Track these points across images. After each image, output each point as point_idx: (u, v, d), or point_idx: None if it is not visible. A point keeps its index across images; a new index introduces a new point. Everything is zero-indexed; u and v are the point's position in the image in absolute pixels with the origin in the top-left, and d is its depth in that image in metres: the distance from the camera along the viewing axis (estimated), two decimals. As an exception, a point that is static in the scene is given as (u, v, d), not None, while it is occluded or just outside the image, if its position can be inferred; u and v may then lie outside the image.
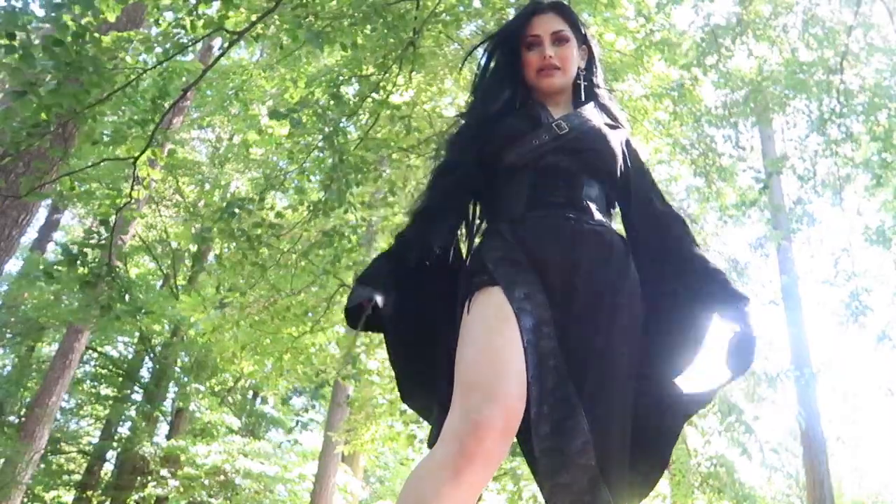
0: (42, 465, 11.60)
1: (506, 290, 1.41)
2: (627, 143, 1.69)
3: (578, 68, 1.72)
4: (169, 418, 12.93)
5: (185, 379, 12.54)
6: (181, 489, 11.06)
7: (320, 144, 4.81)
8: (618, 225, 1.66)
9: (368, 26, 4.42)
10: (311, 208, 4.91)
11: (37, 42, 3.18)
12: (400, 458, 14.47)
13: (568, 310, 1.43)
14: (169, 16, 4.38)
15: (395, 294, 1.46)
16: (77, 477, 13.21)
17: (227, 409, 13.11)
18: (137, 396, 13.64)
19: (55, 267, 4.18)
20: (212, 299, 7.58)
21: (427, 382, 1.54)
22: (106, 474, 13.34)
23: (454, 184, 1.61)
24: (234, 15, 4.05)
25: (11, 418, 12.51)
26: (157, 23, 4.62)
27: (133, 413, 12.63)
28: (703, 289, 1.51)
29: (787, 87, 6.82)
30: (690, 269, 1.54)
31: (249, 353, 7.72)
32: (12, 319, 12.58)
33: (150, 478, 11.21)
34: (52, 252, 12.61)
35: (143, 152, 4.07)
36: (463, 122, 1.73)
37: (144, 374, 14.12)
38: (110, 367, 14.06)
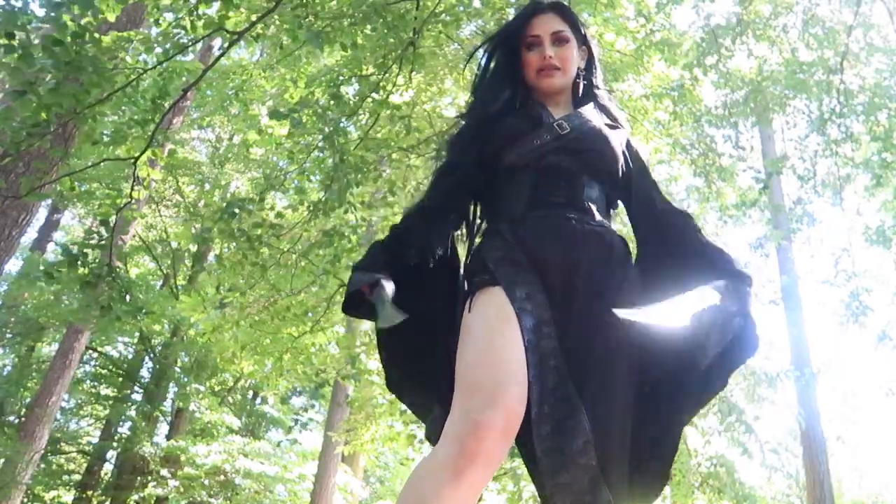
0: (42, 465, 11.60)
1: (507, 290, 1.41)
2: (628, 143, 1.69)
3: (578, 68, 1.72)
4: (169, 418, 12.93)
5: (185, 379, 12.54)
6: (181, 489, 11.06)
7: (320, 144, 4.81)
8: (617, 225, 1.66)
9: (368, 26, 4.42)
10: (311, 208, 4.91)
11: (36, 42, 3.18)
12: (400, 458, 14.47)
13: (568, 310, 1.43)
14: (169, 16, 4.38)
15: (393, 290, 1.46)
16: (77, 477, 13.21)
17: (227, 409, 13.10)
18: (137, 396, 13.64)
19: (55, 267, 4.18)
20: (212, 299, 7.58)
21: (426, 381, 1.54)
22: (106, 474, 13.34)
23: (455, 184, 1.61)
24: (234, 15, 4.04)
25: (11, 418, 12.52)
26: (156, 23, 4.62)
27: (133, 413, 12.63)
28: (708, 272, 1.48)
29: (787, 87, 6.82)
30: (695, 256, 1.52)
31: (249, 353, 7.72)
32: (12, 319, 12.58)
33: (150, 478, 11.21)
34: (52, 252, 12.61)
35: (143, 152, 4.06)
36: (463, 122, 1.73)
37: (144, 374, 14.13)
38: (110, 367, 14.06)
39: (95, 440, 13.64)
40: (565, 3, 1.78)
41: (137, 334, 13.01)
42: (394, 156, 5.63)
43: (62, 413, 13.49)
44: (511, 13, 4.98)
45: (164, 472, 11.00)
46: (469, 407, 1.26)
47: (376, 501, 15.64)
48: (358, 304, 1.46)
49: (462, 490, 1.20)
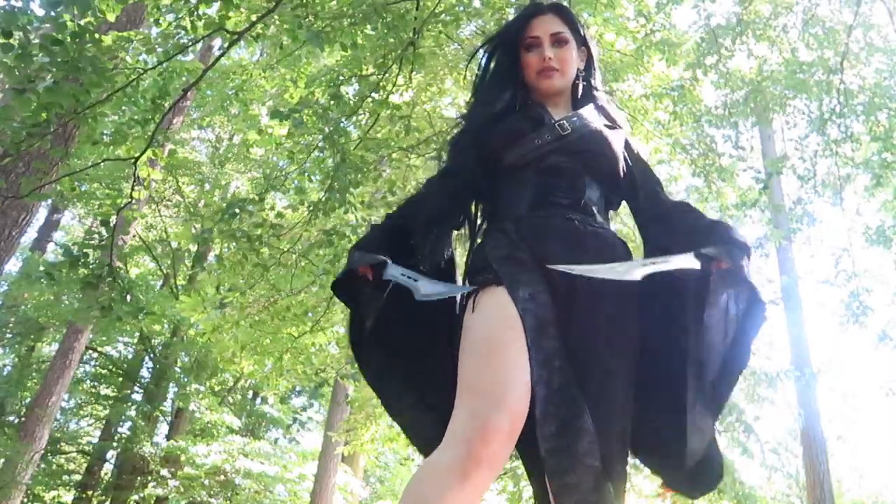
0: (42, 465, 11.61)
1: (510, 290, 1.41)
2: (627, 143, 1.69)
3: (578, 70, 1.72)
4: (169, 418, 12.93)
5: (185, 379, 12.54)
6: (181, 489, 11.06)
7: (321, 144, 4.81)
8: (617, 226, 1.67)
9: (368, 26, 4.42)
10: (312, 208, 4.91)
11: (36, 42, 3.18)
12: (400, 458, 14.46)
13: (570, 310, 1.43)
14: (169, 16, 4.37)
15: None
16: (77, 477, 13.22)
17: (227, 409, 13.10)
18: (137, 396, 13.64)
19: (56, 267, 4.18)
20: (212, 299, 7.58)
21: (415, 379, 1.55)
22: (106, 474, 13.34)
23: (457, 185, 1.62)
24: (234, 15, 4.04)
25: (11, 418, 12.52)
26: (157, 23, 4.62)
27: (133, 413, 12.63)
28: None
29: (787, 87, 6.82)
30: (701, 238, 1.49)
31: (249, 353, 7.72)
32: (12, 319, 12.59)
33: (150, 478, 11.21)
34: (51, 252, 12.62)
35: (143, 152, 4.06)
36: (464, 123, 1.74)
37: (144, 374, 14.12)
38: (110, 367, 14.06)
39: (95, 440, 13.64)
40: (565, 3, 1.78)
41: (137, 334, 13.02)
42: (394, 156, 5.63)
43: (62, 413, 13.50)
44: (511, 13, 4.98)
45: (164, 472, 11.01)
46: (475, 411, 1.26)
47: (376, 501, 15.65)
48: (349, 284, 1.47)
49: (467, 492, 1.20)
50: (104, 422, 13.51)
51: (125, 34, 4.19)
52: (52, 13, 3.13)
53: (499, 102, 1.67)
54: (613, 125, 1.69)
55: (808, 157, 6.28)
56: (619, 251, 1.55)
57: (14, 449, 8.86)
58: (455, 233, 1.68)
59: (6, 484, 8.32)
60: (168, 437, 12.13)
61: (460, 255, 1.75)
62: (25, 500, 10.86)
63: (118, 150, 4.27)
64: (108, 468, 13.50)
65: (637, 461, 1.57)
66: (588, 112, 1.66)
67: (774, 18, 6.81)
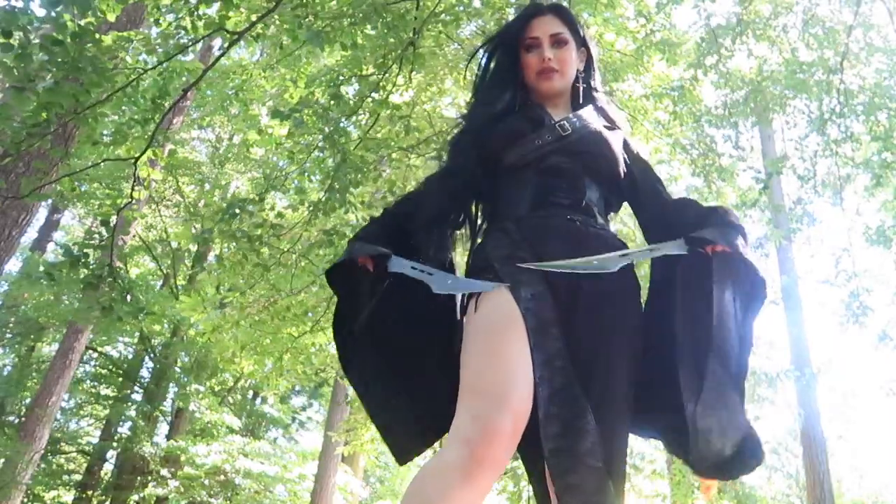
0: (42, 465, 11.61)
1: (512, 290, 1.41)
2: (626, 143, 1.69)
3: (577, 70, 1.72)
4: (169, 418, 12.93)
5: (185, 379, 12.54)
6: (181, 489, 11.06)
7: (321, 144, 4.81)
8: (618, 226, 1.67)
9: (368, 26, 4.42)
10: (312, 208, 4.91)
11: (36, 42, 3.18)
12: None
13: (572, 311, 1.43)
14: (169, 16, 4.37)
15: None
16: (77, 477, 13.22)
17: (227, 409, 13.10)
18: (137, 396, 13.64)
19: (56, 268, 4.18)
20: (212, 299, 7.58)
21: (404, 381, 1.53)
22: (106, 474, 13.34)
23: (458, 186, 1.62)
24: (234, 15, 4.04)
25: (11, 418, 12.52)
26: (157, 23, 4.61)
27: (133, 413, 12.63)
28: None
29: (787, 87, 6.82)
30: (696, 222, 1.50)
31: (249, 353, 7.72)
32: (12, 319, 12.59)
33: (150, 478, 11.21)
34: (51, 252, 12.62)
35: (143, 152, 4.06)
36: (464, 123, 1.74)
37: (144, 374, 14.13)
38: (110, 367, 14.06)
39: (95, 440, 13.64)
40: (565, 4, 1.78)
41: (137, 334, 13.02)
42: (394, 156, 5.63)
43: (62, 413, 13.49)
44: (511, 13, 4.98)
45: (164, 472, 11.00)
46: (477, 410, 1.26)
47: (376, 501, 15.65)
48: (345, 274, 1.47)
49: (470, 493, 1.20)
50: (104, 422, 13.51)
51: (125, 34, 4.19)
52: (53, 13, 3.13)
53: (499, 103, 1.67)
54: (612, 126, 1.69)
55: (808, 157, 6.28)
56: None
57: (14, 449, 8.86)
58: (455, 233, 1.68)
59: (6, 484, 8.32)
60: (168, 437, 12.13)
61: (460, 255, 1.75)
62: (25, 500, 10.86)
63: (118, 150, 4.27)
64: (108, 468, 13.50)
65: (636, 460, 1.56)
66: (587, 113, 1.66)
67: (774, 18, 6.81)
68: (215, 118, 12.26)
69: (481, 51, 1.79)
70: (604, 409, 1.34)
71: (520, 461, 1.51)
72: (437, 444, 1.61)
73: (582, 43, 1.74)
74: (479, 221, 1.70)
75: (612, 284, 1.47)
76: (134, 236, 11.58)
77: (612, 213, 1.69)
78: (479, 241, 1.64)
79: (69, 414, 14.35)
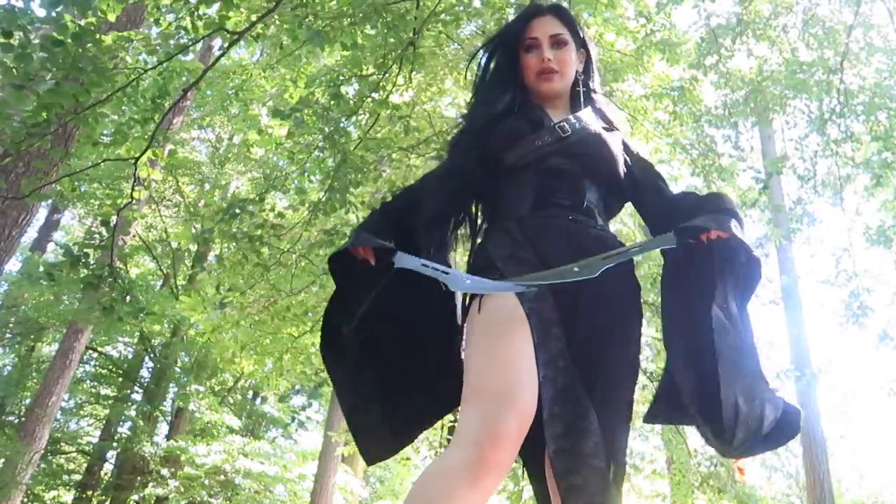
0: (42, 465, 11.60)
1: (515, 290, 1.40)
2: (626, 144, 1.69)
3: (577, 72, 1.72)
4: (169, 418, 12.93)
5: (185, 379, 12.54)
6: (181, 489, 11.06)
7: (321, 144, 4.81)
8: (618, 225, 1.67)
9: (368, 26, 4.41)
10: (312, 208, 4.91)
11: (36, 42, 3.18)
12: (400, 457, 14.47)
13: (573, 312, 1.44)
14: (169, 16, 4.37)
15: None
16: (77, 477, 13.21)
17: (227, 409, 13.10)
18: (137, 396, 13.64)
19: (57, 268, 4.18)
20: (212, 299, 7.58)
21: (389, 383, 1.52)
22: (106, 474, 13.33)
23: (458, 186, 1.62)
24: (234, 15, 4.04)
25: (11, 418, 12.52)
26: (157, 23, 4.61)
27: (133, 413, 12.63)
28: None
29: (787, 87, 6.82)
30: (691, 211, 1.49)
31: (249, 353, 7.72)
32: (12, 319, 12.58)
33: (150, 478, 11.20)
34: (51, 252, 12.62)
35: (143, 152, 4.06)
36: (464, 123, 1.74)
37: (144, 374, 14.12)
38: (110, 367, 14.06)
39: (95, 440, 13.64)
40: (564, 5, 1.78)
41: (137, 334, 13.01)
42: (394, 156, 5.63)
43: (62, 413, 13.49)
44: (511, 13, 4.98)
45: (164, 472, 11.00)
46: (485, 412, 1.26)
47: (376, 501, 15.64)
48: (346, 264, 1.46)
49: (476, 495, 1.20)
50: (104, 422, 13.51)
51: (125, 34, 4.19)
52: (53, 13, 3.13)
53: (499, 103, 1.67)
54: (611, 127, 1.69)
55: (808, 157, 6.28)
56: None
57: (14, 449, 8.86)
58: (455, 232, 1.68)
59: (6, 484, 8.32)
60: (168, 437, 12.13)
61: (460, 256, 1.75)
62: (25, 500, 10.86)
63: (118, 150, 4.26)
64: (108, 468, 13.49)
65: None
66: (587, 115, 1.67)
67: (774, 18, 6.82)
68: (215, 118, 12.26)
69: (481, 51, 1.79)
70: (604, 410, 1.35)
71: (520, 461, 1.51)
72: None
73: (581, 44, 1.74)
74: (479, 221, 1.69)
75: (611, 286, 1.47)
76: (134, 236, 11.58)
77: (614, 214, 1.70)
78: (479, 240, 1.64)
79: (69, 414, 14.34)
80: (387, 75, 4.62)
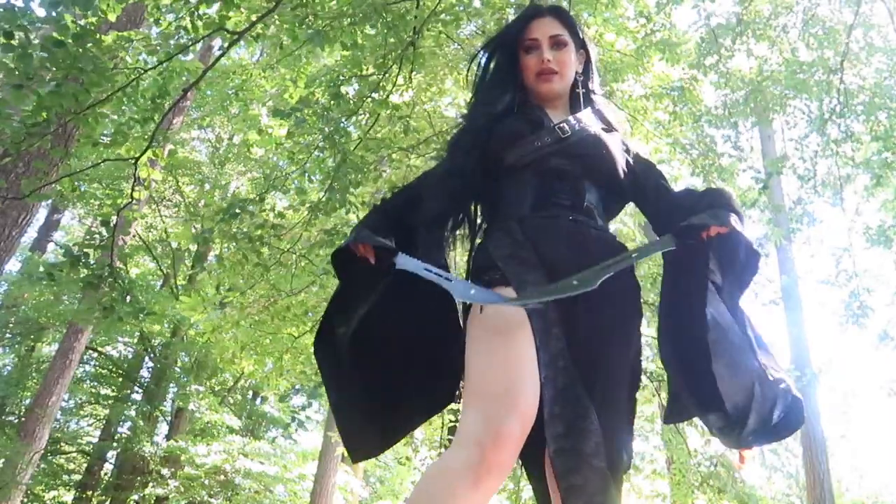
0: (42, 465, 11.60)
1: (518, 290, 1.40)
2: (626, 144, 1.70)
3: (576, 73, 1.72)
4: (169, 418, 12.93)
5: (185, 379, 12.54)
6: (181, 489, 11.06)
7: (321, 144, 4.81)
8: (617, 225, 1.67)
9: (368, 26, 4.41)
10: (312, 208, 4.91)
11: (36, 42, 3.18)
12: (400, 457, 14.47)
13: (573, 313, 1.43)
14: (169, 16, 4.37)
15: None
16: (77, 477, 13.21)
17: (227, 409, 13.10)
18: (137, 396, 13.64)
19: (57, 268, 4.18)
20: (212, 299, 7.58)
21: (380, 386, 1.52)
22: (106, 474, 13.33)
23: (458, 186, 1.61)
24: (234, 15, 4.04)
25: (11, 418, 12.52)
26: (157, 23, 4.61)
27: (133, 413, 12.62)
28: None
29: (787, 87, 6.82)
30: (692, 209, 1.49)
31: (249, 353, 7.72)
32: (12, 319, 12.58)
33: (150, 478, 11.20)
34: (51, 252, 12.62)
35: (143, 152, 4.06)
36: (464, 123, 1.74)
37: (144, 374, 14.12)
38: (110, 367, 14.06)
39: (95, 440, 13.64)
40: (564, 5, 1.78)
41: (137, 334, 13.01)
42: (394, 156, 5.63)
43: (62, 413, 13.49)
44: (511, 14, 4.98)
45: (164, 472, 11.00)
46: (487, 413, 1.26)
47: (376, 501, 15.64)
48: (349, 261, 1.46)
49: (478, 496, 1.21)
50: (104, 422, 13.51)
51: (125, 34, 4.19)
52: (54, 13, 3.13)
53: (499, 103, 1.67)
54: (610, 128, 1.70)
55: (808, 157, 6.28)
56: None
57: (14, 449, 8.86)
58: (454, 233, 1.67)
59: (6, 484, 8.32)
60: (168, 437, 12.12)
61: (460, 256, 1.74)
62: (25, 500, 10.86)
63: (118, 150, 4.26)
64: (108, 468, 13.49)
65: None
66: (586, 116, 1.67)
67: (774, 18, 6.82)
68: (215, 118, 12.26)
69: (481, 52, 1.79)
70: (605, 410, 1.35)
71: (519, 461, 1.51)
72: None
73: (581, 45, 1.74)
74: (479, 221, 1.69)
75: (611, 286, 1.46)
76: (134, 236, 11.58)
77: (614, 214, 1.70)
78: (479, 240, 1.64)
79: (69, 414, 14.34)
80: (387, 75, 4.62)
